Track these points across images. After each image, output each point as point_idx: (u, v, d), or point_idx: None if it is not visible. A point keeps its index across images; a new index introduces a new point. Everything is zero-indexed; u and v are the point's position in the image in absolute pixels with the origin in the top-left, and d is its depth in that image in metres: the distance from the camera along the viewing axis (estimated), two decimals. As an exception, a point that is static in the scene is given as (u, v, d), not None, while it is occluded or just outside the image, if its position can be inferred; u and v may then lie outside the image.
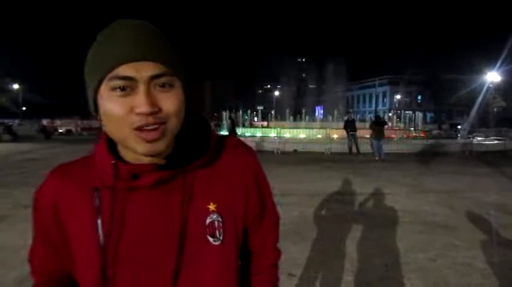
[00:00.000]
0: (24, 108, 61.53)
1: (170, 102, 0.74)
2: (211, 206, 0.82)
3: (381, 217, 5.99)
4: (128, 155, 0.79)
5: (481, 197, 7.51)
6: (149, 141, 0.72)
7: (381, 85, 69.10)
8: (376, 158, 14.01)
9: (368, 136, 15.56)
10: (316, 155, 15.55)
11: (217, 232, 0.81)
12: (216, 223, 0.81)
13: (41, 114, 50.06)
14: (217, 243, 0.81)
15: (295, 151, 17.33)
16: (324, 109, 36.35)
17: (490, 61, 36.76)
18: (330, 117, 28.99)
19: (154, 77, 0.72)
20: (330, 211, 6.40)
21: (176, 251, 0.78)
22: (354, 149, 16.15)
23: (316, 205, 6.68)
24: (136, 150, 0.73)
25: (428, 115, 63.22)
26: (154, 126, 0.71)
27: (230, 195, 0.85)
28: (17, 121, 45.60)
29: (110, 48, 0.72)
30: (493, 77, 34.47)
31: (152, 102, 0.71)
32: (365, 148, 15.67)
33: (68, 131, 36.66)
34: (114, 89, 0.71)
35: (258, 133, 22.42)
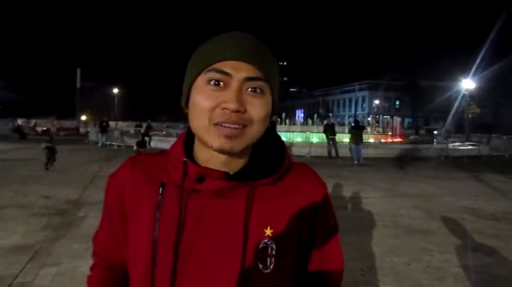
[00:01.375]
0: (-2, 106, 59.81)
1: (258, 107, 0.74)
2: (268, 231, 0.77)
3: (358, 221, 6.03)
4: (201, 156, 0.79)
5: (456, 201, 7.66)
6: (226, 137, 0.72)
7: (360, 90, 70.07)
8: (355, 162, 14.15)
9: (347, 140, 15.71)
10: (295, 159, 15.55)
11: (268, 259, 0.76)
12: (269, 249, 0.77)
13: (17, 113, 48.78)
14: (266, 271, 0.76)
15: (275, 154, 17.36)
16: (304, 113, 36.60)
17: (465, 68, 37.77)
18: (310, 121, 29.16)
19: (249, 79, 0.74)
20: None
21: (237, 270, 0.74)
22: (333, 153, 16.28)
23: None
24: (213, 144, 0.73)
25: (406, 120, 64.42)
26: (235, 126, 0.72)
27: (290, 223, 0.80)
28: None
29: (213, 47, 0.76)
30: (467, 84, 35.33)
31: (241, 101, 0.72)
32: (344, 151, 15.82)
33: (44, 131, 35.76)
34: (209, 81, 0.74)
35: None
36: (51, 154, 10.89)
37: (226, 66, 0.73)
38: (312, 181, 0.87)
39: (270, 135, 0.84)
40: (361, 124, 16.22)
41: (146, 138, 18.96)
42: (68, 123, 39.92)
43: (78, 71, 33.94)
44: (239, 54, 0.74)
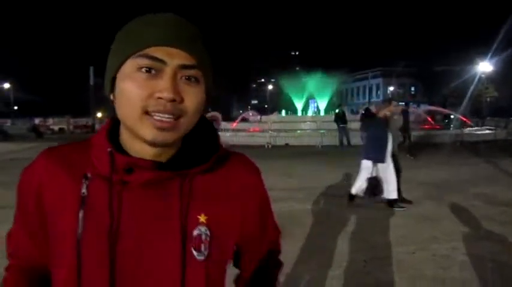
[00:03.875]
0: (16, 107, 61.03)
1: (193, 97, 0.71)
2: (202, 218, 0.75)
3: (367, 211, 5.96)
4: (131, 147, 0.74)
5: (468, 188, 7.50)
6: (159, 129, 0.68)
7: (374, 77, 69.12)
8: (367, 151, 13.98)
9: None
10: (307, 149, 15.51)
11: (202, 246, 0.74)
12: (203, 236, 0.74)
13: (34, 113, 49.73)
14: (200, 258, 0.74)
15: (287, 144, 17.31)
16: (317, 102, 36.28)
17: (482, 51, 36.83)
18: (323, 111, 28.95)
19: (184, 67, 0.69)
20: (316, 205, 6.37)
21: (175, 259, 0.72)
22: (345, 142, 16.13)
23: (303, 200, 6.64)
24: (145, 136, 0.69)
25: (422, 106, 63.33)
26: (169, 116, 0.68)
27: (225, 209, 0.79)
28: (9, 121, 45.19)
29: (145, 29, 0.70)
30: (484, 67, 34.53)
31: (177, 90, 0.68)
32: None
33: (61, 130, 36.43)
34: (139, 68, 0.68)
35: (250, 127, 22.38)
36: None
37: (160, 52, 0.68)
38: (245, 168, 0.86)
39: (202, 124, 0.80)
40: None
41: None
42: (83, 121, 40.54)
43: (91, 69, 34.29)
44: (174, 39, 0.69)
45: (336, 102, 22.78)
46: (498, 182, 8.06)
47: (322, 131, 17.69)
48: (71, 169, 0.75)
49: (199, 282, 0.74)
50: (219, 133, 0.86)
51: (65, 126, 36.75)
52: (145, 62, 0.68)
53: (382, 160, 5.97)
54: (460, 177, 8.81)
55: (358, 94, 78.84)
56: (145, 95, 0.67)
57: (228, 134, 19.26)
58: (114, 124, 0.78)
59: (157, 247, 0.72)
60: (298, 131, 20.15)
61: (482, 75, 36.42)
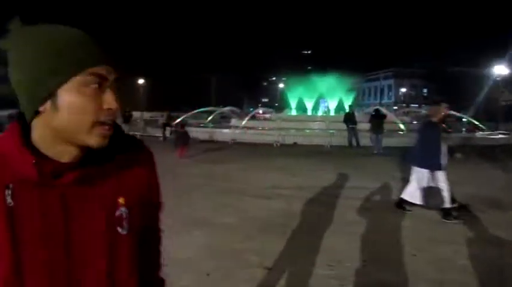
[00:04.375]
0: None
1: (119, 102, 0.84)
2: (121, 200, 0.88)
3: (369, 211, 5.95)
4: (49, 148, 0.81)
5: (476, 191, 7.42)
6: (103, 136, 0.81)
7: (386, 78, 68.61)
8: (375, 152, 13.93)
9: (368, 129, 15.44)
10: (315, 148, 15.47)
11: (124, 223, 0.88)
12: (123, 214, 0.88)
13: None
14: (124, 233, 0.88)
15: (295, 143, 17.27)
16: (327, 102, 36.13)
17: (497, 54, 36.28)
18: (333, 111, 28.81)
19: (116, 79, 0.84)
20: (319, 204, 6.36)
21: (107, 249, 0.86)
22: (354, 142, 16.06)
23: (306, 198, 6.64)
24: (92, 144, 0.80)
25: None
26: (110, 123, 0.82)
27: (136, 190, 0.92)
28: None
29: (80, 50, 0.79)
30: (500, 70, 33.96)
31: (117, 100, 0.82)
32: (366, 141, 15.57)
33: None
34: (86, 84, 0.78)
35: (259, 126, 22.36)
36: None
37: (103, 71, 0.81)
38: (147, 153, 1.00)
39: None
40: (381, 113, 15.87)
41: (167, 128, 19.26)
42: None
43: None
44: (109, 59, 0.83)
45: (354, 102, 22.47)
46: (508, 187, 7.95)
47: (331, 131, 17.61)
48: None
49: (126, 250, 0.89)
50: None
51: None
52: (92, 79, 0.79)
53: (441, 167, 5.71)
54: (468, 180, 8.72)
55: (369, 95, 78.33)
56: (96, 107, 0.79)
57: (237, 131, 19.30)
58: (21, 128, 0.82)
59: (90, 230, 0.84)
60: (307, 131, 20.08)
61: (498, 79, 35.83)
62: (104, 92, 0.81)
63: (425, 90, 70.58)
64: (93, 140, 0.79)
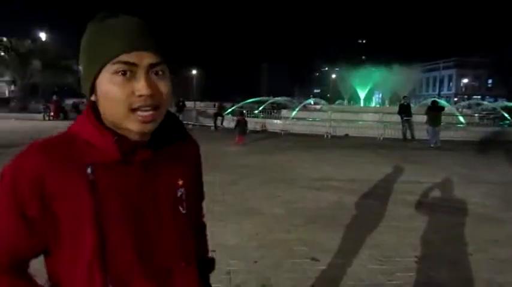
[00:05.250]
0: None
1: (164, 88, 0.86)
2: (180, 182, 0.96)
3: (423, 207, 5.73)
4: (118, 131, 0.87)
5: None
6: (144, 122, 0.84)
7: (446, 68, 65.07)
8: (431, 145, 13.33)
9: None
10: (367, 141, 15.09)
11: (184, 203, 0.96)
12: (183, 195, 0.96)
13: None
14: (184, 212, 0.96)
15: (347, 135, 16.95)
16: (382, 93, 35.01)
17: None
18: (387, 102, 27.87)
19: (152, 65, 0.84)
20: (370, 198, 6.23)
21: (174, 224, 0.94)
22: (409, 135, 15.47)
23: (357, 191, 6.53)
24: (132, 129, 0.84)
25: (500, 101, 58.81)
26: (150, 109, 0.83)
27: (189, 174, 1.00)
28: (84, 101, 48.23)
29: (112, 39, 0.83)
30: None
31: (151, 86, 0.83)
32: (422, 134, 14.95)
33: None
34: (116, 72, 0.82)
35: (310, 117, 22.14)
36: None
37: (131, 57, 0.82)
38: (194, 142, 1.09)
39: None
40: (439, 105, 15.11)
41: (219, 118, 19.60)
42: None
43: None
44: (140, 44, 0.83)
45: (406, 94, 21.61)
46: None
47: (384, 123, 17.07)
48: (69, 160, 0.83)
49: (186, 228, 0.97)
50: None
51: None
52: (120, 67, 0.82)
53: None
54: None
55: (427, 86, 74.74)
56: (127, 94, 0.82)
57: (288, 122, 19.25)
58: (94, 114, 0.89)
59: (161, 207, 0.92)
60: (360, 122, 19.59)
61: None
62: (135, 79, 0.83)
63: (489, 81, 66.16)
64: (133, 125, 0.83)
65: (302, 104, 26.06)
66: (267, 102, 26.37)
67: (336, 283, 3.34)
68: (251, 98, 28.20)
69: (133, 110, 0.82)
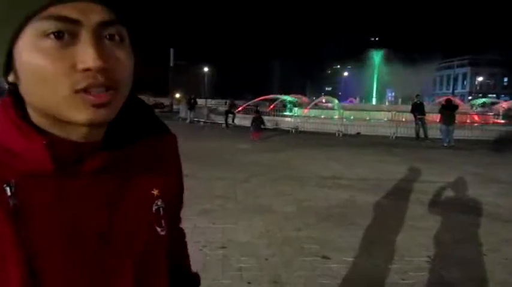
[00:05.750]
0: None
1: (123, 59, 0.56)
2: (156, 192, 0.68)
3: (436, 206, 5.68)
4: (55, 129, 0.58)
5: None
6: (95, 106, 0.54)
7: (460, 66, 64.22)
8: (444, 144, 13.20)
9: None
10: (379, 139, 15.00)
11: (162, 221, 0.68)
12: (161, 209, 0.68)
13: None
14: (163, 233, 0.68)
15: (358, 133, 16.86)
16: (394, 92, 34.75)
17: None
18: (400, 100, 27.64)
19: (104, 24, 0.54)
20: (382, 196, 6.19)
21: (139, 254, 0.64)
22: (422, 134, 15.33)
23: (369, 190, 6.50)
24: (77, 118, 0.54)
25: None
26: (103, 89, 0.54)
27: (167, 179, 0.73)
28: None
29: None
30: None
31: (104, 55, 0.53)
32: (434, 133, 14.81)
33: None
34: (46, 35, 0.51)
35: (322, 115, 22.08)
36: None
37: (71, 10, 0.52)
38: (173, 137, 0.79)
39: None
40: (453, 103, 14.95)
41: (230, 115, 19.65)
42: (163, 101, 42.90)
43: (172, 50, 35.96)
44: None
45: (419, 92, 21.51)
46: None
47: (396, 122, 16.96)
48: None
49: (162, 252, 0.70)
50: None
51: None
52: (52, 25, 0.51)
53: None
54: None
55: (441, 84, 73.84)
56: (66, 68, 0.52)
57: (299, 120, 19.22)
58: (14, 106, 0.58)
59: (122, 231, 0.63)
60: (372, 120, 19.48)
61: None
62: (78, 44, 0.52)
63: (505, 80, 65.13)
64: (78, 114, 0.54)
65: (313, 103, 26.01)
66: (277, 101, 26.36)
67: (347, 281, 3.34)
68: (262, 95, 28.21)
69: (77, 92, 0.53)
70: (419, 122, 15.42)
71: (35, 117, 0.57)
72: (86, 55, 0.52)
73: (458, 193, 6.55)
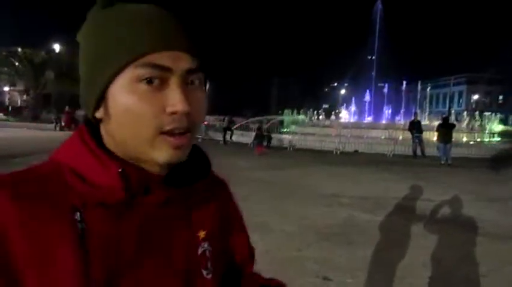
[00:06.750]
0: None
1: (201, 104, 0.62)
2: (201, 234, 0.68)
3: (435, 225, 5.67)
4: (127, 158, 0.61)
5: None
6: (176, 148, 0.59)
7: (457, 84, 64.83)
8: (442, 162, 13.24)
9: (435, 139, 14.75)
10: (377, 157, 15.04)
11: (208, 263, 0.68)
12: (207, 252, 0.68)
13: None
14: (209, 276, 0.67)
15: (356, 151, 16.90)
16: (391, 109, 34.98)
17: None
18: (397, 118, 27.80)
19: (189, 71, 0.60)
20: (381, 215, 6.18)
21: (183, 283, 0.64)
22: (419, 152, 15.38)
23: (368, 208, 6.49)
24: (157, 158, 0.59)
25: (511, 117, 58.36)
26: (184, 132, 0.59)
27: (216, 222, 0.73)
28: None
29: (136, 31, 0.57)
30: None
31: (188, 99, 0.58)
32: (432, 150, 14.86)
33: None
34: (140, 80, 0.56)
35: (320, 132, 22.16)
36: None
37: (165, 59, 0.57)
38: (220, 180, 0.82)
39: None
40: (450, 121, 15.05)
41: (228, 132, 19.70)
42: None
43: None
44: (176, 42, 0.59)
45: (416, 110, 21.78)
46: None
47: (394, 140, 17.05)
48: (48, 201, 0.55)
49: None
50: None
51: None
52: (148, 72, 0.56)
53: None
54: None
55: (437, 102, 74.37)
56: (156, 110, 0.57)
57: (296, 137, 19.27)
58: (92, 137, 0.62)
59: (167, 270, 0.62)
60: (369, 138, 19.56)
61: None
62: (167, 89, 0.57)
63: (500, 98, 65.72)
64: (159, 154, 0.58)
65: (309, 119, 26.14)
66: (272, 121, 26.51)
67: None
68: (261, 112, 28.43)
69: (162, 133, 0.57)
70: (417, 140, 15.49)
71: (111, 148, 0.61)
72: (175, 100, 0.57)
73: (458, 211, 6.55)
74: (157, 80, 0.57)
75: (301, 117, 28.50)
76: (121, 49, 0.57)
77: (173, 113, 0.57)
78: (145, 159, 0.60)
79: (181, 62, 0.58)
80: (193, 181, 0.68)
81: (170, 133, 0.58)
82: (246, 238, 0.85)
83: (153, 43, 0.57)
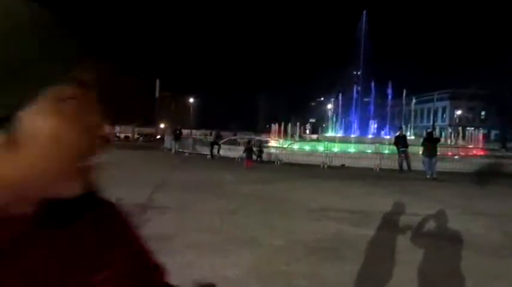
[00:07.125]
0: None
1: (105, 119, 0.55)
2: (95, 278, 0.55)
3: (422, 239, 5.71)
4: None
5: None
6: (90, 179, 0.52)
7: (440, 99, 66.10)
8: (427, 177, 13.39)
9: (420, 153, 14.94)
10: (364, 171, 15.14)
11: None
12: None
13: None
14: None
15: (343, 165, 17.00)
16: (377, 124, 35.41)
17: None
18: (382, 133, 28.14)
19: (96, 82, 0.52)
20: (369, 229, 6.19)
21: None
22: (405, 166, 15.55)
23: (355, 222, 6.50)
24: (71, 193, 0.50)
25: (493, 133, 59.51)
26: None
27: (109, 263, 0.57)
28: None
29: (58, 40, 0.48)
30: None
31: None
32: (417, 165, 15.04)
33: (126, 137, 38.72)
34: (62, 99, 0.47)
35: (306, 146, 22.27)
36: None
37: (83, 73, 0.49)
38: (109, 205, 0.63)
39: None
40: (434, 136, 15.31)
41: (215, 147, 19.65)
42: (148, 130, 42.89)
43: (158, 81, 36.26)
44: (86, 50, 0.51)
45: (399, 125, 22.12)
46: None
47: (380, 154, 17.22)
48: None
49: None
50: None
51: (129, 134, 39.10)
52: (72, 91, 0.47)
53: None
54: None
55: (422, 117, 75.62)
56: (80, 135, 0.48)
57: (284, 151, 19.32)
58: None
59: None
60: (356, 153, 19.72)
61: None
62: (86, 108, 0.49)
63: (483, 113, 67.16)
64: (78, 187, 0.50)
65: (294, 134, 26.30)
66: (254, 140, 26.62)
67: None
68: (248, 125, 28.50)
69: (83, 163, 0.50)
70: (403, 155, 15.67)
71: None
72: (98, 119, 0.51)
73: (444, 225, 6.61)
74: (77, 99, 0.49)
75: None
76: (43, 67, 0.46)
77: (99, 136, 0.52)
78: (44, 196, 0.49)
79: (92, 73, 0.51)
80: (78, 216, 0.55)
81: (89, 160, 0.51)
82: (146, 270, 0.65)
83: (75, 55, 0.50)
